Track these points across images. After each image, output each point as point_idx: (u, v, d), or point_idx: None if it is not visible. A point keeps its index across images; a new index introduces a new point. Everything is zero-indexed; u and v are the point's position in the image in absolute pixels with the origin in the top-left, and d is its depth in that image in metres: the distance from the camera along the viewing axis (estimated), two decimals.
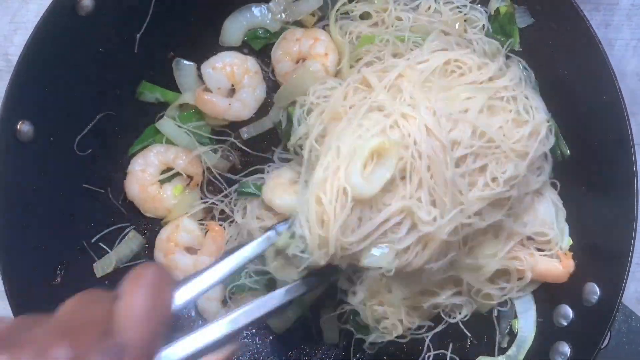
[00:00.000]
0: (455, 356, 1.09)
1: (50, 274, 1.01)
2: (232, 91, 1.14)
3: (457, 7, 1.10)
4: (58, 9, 0.95)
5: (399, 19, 1.10)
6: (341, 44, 1.10)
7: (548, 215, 1.02)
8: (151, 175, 1.12)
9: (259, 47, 1.16)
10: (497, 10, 1.07)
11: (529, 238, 1.02)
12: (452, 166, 0.84)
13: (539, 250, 1.03)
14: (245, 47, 1.16)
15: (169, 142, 1.13)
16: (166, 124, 1.13)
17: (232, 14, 1.14)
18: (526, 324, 1.05)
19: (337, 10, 1.13)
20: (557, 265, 1.03)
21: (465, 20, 1.09)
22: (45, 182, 1.00)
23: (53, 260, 1.02)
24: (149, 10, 1.06)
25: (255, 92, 1.13)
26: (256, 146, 1.15)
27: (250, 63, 1.14)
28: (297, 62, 1.13)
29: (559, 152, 1.03)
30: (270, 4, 1.13)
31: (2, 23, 1.21)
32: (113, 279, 1.08)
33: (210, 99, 1.11)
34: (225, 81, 1.12)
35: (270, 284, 1.05)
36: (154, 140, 1.14)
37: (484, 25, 1.08)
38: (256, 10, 1.14)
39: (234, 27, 1.14)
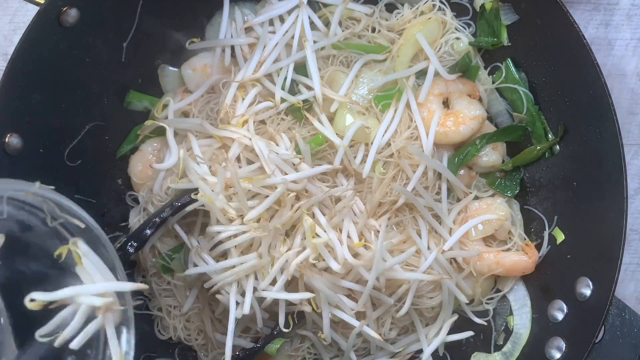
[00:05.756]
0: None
1: None
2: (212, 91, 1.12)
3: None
4: (42, 21, 0.94)
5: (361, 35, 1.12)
6: None
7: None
8: (157, 160, 1.12)
9: None
10: (483, 6, 1.07)
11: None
12: None
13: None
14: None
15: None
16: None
17: (212, 19, 1.14)
18: (521, 320, 1.05)
19: None
20: (523, 257, 1.05)
21: None
22: None
23: None
24: (135, 19, 1.06)
25: None
26: None
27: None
28: None
29: (548, 149, 1.04)
30: (258, 7, 1.13)
31: (1, 23, 1.21)
32: None
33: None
34: (205, 82, 1.11)
35: None
36: (142, 140, 1.13)
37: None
38: (234, 11, 1.12)
39: (216, 33, 1.13)
